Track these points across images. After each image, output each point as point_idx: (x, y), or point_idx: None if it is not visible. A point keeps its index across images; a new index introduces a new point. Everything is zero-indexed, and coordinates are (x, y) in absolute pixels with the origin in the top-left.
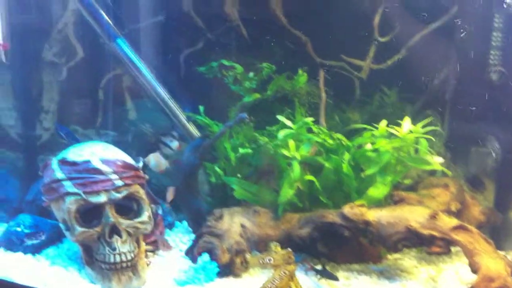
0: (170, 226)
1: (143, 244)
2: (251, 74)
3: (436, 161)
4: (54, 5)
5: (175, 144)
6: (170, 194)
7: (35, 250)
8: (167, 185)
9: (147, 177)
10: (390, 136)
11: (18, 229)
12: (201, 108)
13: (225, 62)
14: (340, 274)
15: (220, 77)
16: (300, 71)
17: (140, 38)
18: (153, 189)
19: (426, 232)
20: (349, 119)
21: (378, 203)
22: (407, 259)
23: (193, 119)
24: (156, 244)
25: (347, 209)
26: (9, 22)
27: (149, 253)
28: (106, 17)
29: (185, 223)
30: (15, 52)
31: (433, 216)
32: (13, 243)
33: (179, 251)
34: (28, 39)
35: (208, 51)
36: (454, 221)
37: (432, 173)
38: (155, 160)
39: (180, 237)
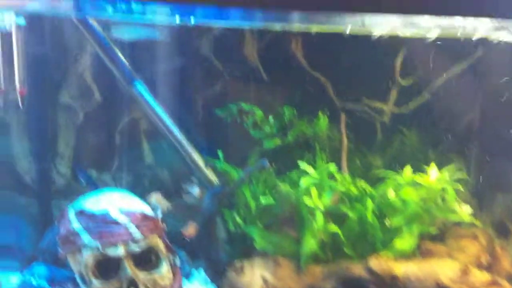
0: (187, 275)
1: None
2: (271, 119)
3: (465, 211)
4: (72, 48)
5: (196, 191)
6: (190, 229)
7: None
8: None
9: (165, 227)
10: (415, 183)
11: (33, 281)
12: (220, 153)
13: (245, 106)
14: None
15: (239, 121)
16: (320, 115)
17: (158, 81)
18: (169, 237)
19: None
20: (370, 164)
21: (406, 255)
22: None
23: (212, 165)
24: None
25: (373, 262)
26: (25, 66)
27: None
28: (124, 60)
29: (201, 270)
30: (31, 95)
31: (465, 271)
32: None
33: None
34: (45, 82)
35: (227, 93)
36: (486, 276)
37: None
38: (157, 200)
39: None
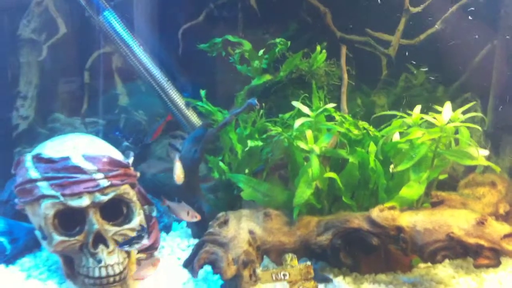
0: (167, 229)
1: (133, 253)
2: (260, 52)
3: (481, 155)
4: None
5: None
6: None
7: (9, 260)
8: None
9: (138, 174)
10: (425, 123)
11: None
12: (202, 92)
13: (231, 38)
14: (366, 286)
15: (224, 55)
16: (318, 48)
17: (132, 10)
18: (149, 188)
19: (472, 241)
20: (374, 104)
21: (412, 205)
22: (442, 267)
23: (193, 105)
24: (150, 250)
25: (375, 213)
26: None
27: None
28: None
29: (184, 223)
30: None
31: (481, 222)
32: None
33: (177, 259)
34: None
35: (211, 25)
36: (506, 228)
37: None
38: (178, 168)
39: (177, 243)
